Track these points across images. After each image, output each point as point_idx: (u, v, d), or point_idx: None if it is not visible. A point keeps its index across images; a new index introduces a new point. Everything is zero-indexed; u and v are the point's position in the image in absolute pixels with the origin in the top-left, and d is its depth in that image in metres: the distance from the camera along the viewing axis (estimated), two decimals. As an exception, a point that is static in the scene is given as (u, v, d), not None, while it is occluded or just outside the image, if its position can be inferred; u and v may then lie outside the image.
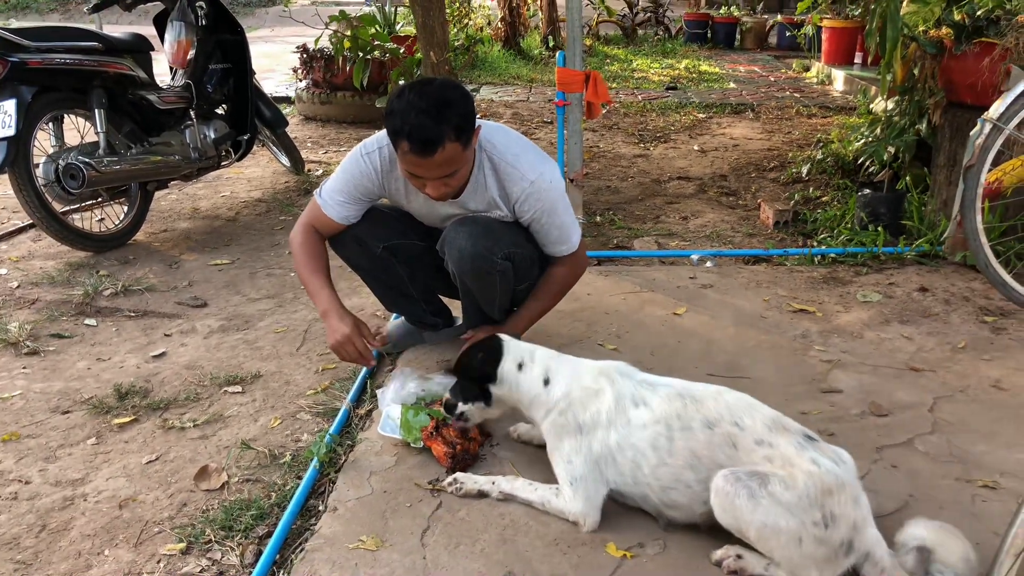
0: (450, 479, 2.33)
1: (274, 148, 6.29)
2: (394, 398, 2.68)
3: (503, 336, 2.42)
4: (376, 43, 6.19)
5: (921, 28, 4.38)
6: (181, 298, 3.91)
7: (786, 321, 3.35)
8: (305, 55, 8.21)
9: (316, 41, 7.64)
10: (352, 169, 2.74)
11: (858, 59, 10.17)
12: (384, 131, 2.73)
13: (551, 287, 2.90)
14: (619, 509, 2.18)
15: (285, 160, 6.19)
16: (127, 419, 2.85)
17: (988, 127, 3.01)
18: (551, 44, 12.13)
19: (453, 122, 2.39)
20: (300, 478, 2.47)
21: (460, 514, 2.22)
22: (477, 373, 2.34)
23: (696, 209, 5.15)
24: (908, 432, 2.51)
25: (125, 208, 4.83)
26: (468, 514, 2.22)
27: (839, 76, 9.64)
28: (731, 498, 1.88)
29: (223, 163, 5.34)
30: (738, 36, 14.02)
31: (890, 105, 4.91)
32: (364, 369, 3.06)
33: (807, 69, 10.99)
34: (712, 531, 2.04)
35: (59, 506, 2.41)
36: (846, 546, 1.85)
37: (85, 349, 3.41)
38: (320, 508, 2.32)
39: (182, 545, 2.21)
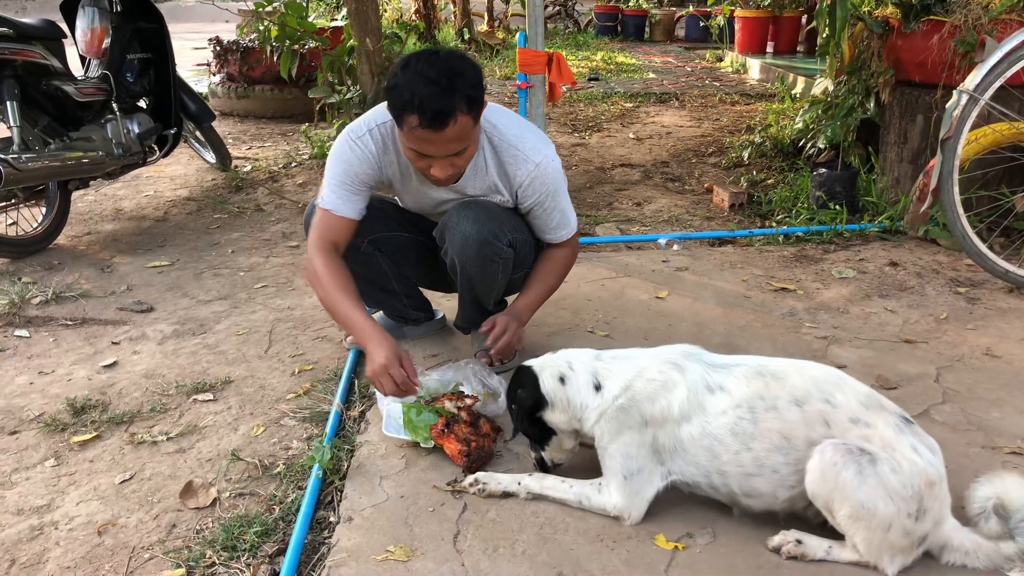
0: (471, 479, 2.17)
1: (197, 144, 5.93)
2: (393, 399, 2.50)
3: (529, 362, 2.17)
4: (302, 32, 5.89)
5: (867, 8, 4.47)
6: (123, 303, 3.59)
7: (770, 300, 3.33)
8: (219, 48, 7.81)
9: (241, 31, 7.27)
10: (347, 158, 2.52)
11: (770, 48, 10.45)
12: (369, 114, 2.57)
13: (555, 268, 2.74)
14: (656, 498, 2.06)
15: (210, 156, 5.84)
16: (88, 436, 2.56)
17: (965, 98, 3.05)
18: (466, 36, 11.99)
19: (465, 93, 2.22)
20: (301, 488, 2.26)
21: (490, 515, 2.07)
22: (527, 408, 2.10)
23: (646, 195, 5.11)
24: (921, 403, 2.51)
25: (43, 210, 4.42)
26: (498, 515, 2.07)
27: (754, 65, 9.87)
28: (838, 469, 1.75)
29: (149, 159, 4.97)
30: (647, 28, 14.26)
31: (831, 87, 4.99)
32: (348, 369, 2.86)
33: (720, 59, 11.23)
34: (766, 519, 1.96)
35: (27, 536, 2.12)
36: (923, 539, 1.79)
37: (22, 363, 3.08)
38: (332, 519, 2.12)
39: (181, 571, 1.98)
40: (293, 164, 5.87)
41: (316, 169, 5.67)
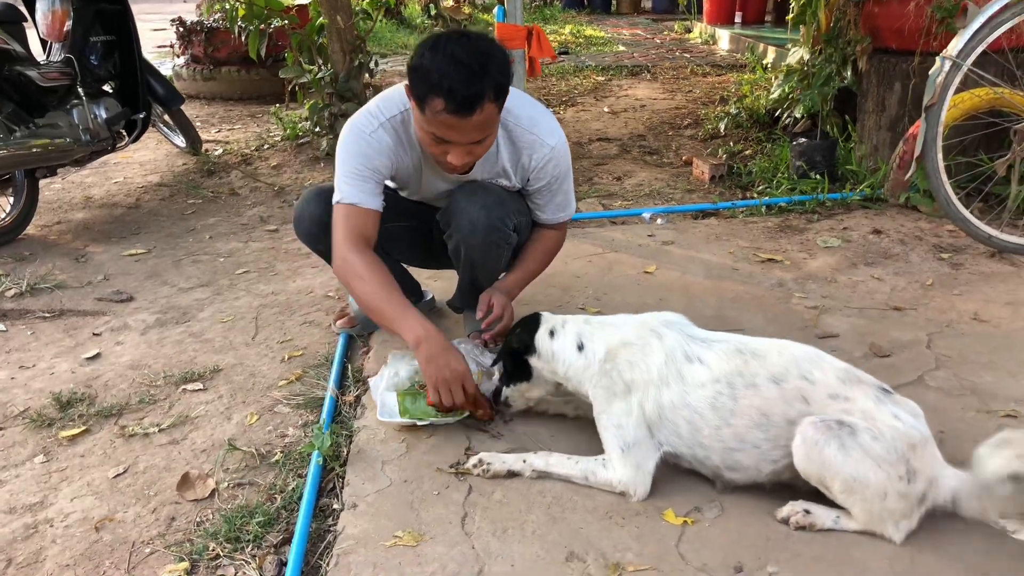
0: (475, 460, 2.16)
1: (166, 128, 5.81)
2: (387, 386, 2.47)
3: (542, 312, 2.28)
4: (270, 11, 5.75)
5: (843, -24, 4.46)
6: (101, 293, 3.51)
7: (758, 271, 3.33)
8: (182, 28, 7.63)
9: (207, 10, 7.09)
10: (363, 150, 2.40)
11: (738, 18, 10.43)
12: (375, 106, 2.46)
13: (545, 249, 2.71)
14: (661, 474, 2.06)
15: (180, 140, 5.72)
16: (77, 431, 2.50)
17: (948, 64, 3.06)
18: (432, 12, 11.82)
19: (494, 79, 2.13)
20: (301, 476, 2.23)
21: (496, 497, 2.06)
22: (516, 346, 2.23)
23: (626, 169, 5.10)
24: (916, 370, 2.53)
25: (11, 199, 4.29)
26: (505, 495, 2.06)
27: (723, 35, 9.86)
28: (820, 447, 1.78)
29: (118, 145, 4.84)
30: (614, 1, 14.16)
31: (807, 56, 4.99)
32: (339, 353, 2.82)
33: (688, 30, 11.20)
34: (770, 489, 1.97)
35: (21, 536, 2.07)
36: (921, 499, 1.81)
37: (0, 357, 2.99)
38: (335, 506, 2.09)
39: (185, 564, 1.94)
40: (266, 146, 5.77)
41: (289, 151, 5.58)
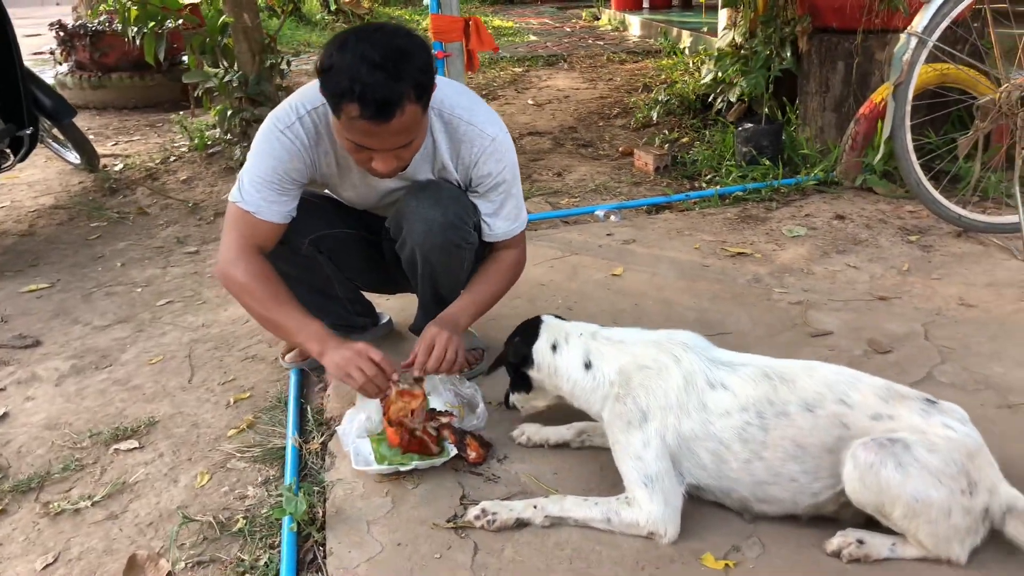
0: (476, 511, 1.89)
1: (56, 144, 5.27)
2: (359, 433, 2.17)
3: (545, 316, 2.08)
4: (166, 10, 5.27)
5: (777, -44, 4.35)
6: (0, 339, 3.06)
7: (730, 267, 3.17)
8: (63, 33, 7.00)
9: (93, 12, 6.50)
10: (274, 152, 2.14)
11: (646, 3, 10.39)
12: (297, 97, 2.20)
13: (501, 270, 2.39)
14: (684, 507, 1.85)
15: (73, 157, 5.19)
16: (-11, 513, 2.11)
17: (914, 41, 2.96)
18: (332, 7, 11.35)
19: (413, 78, 1.89)
20: (273, 548, 1.92)
21: (507, 555, 1.80)
22: (512, 360, 2.06)
23: (564, 164, 4.88)
24: (922, 366, 2.40)
25: None
26: (517, 552, 1.80)
27: (634, 22, 9.79)
28: (876, 470, 1.60)
29: (3, 165, 4.33)
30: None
31: (739, 39, 4.89)
32: (293, 393, 2.50)
33: (597, 17, 11.11)
34: (810, 520, 1.79)
35: (-66, 661, 1.70)
36: (984, 513, 1.65)
37: None
38: (319, 583, 1.80)
39: (146, 676, 1.62)
40: (172, 158, 5.29)
41: (199, 162, 5.13)
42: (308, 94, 2.17)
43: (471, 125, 2.21)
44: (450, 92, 2.23)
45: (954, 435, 1.64)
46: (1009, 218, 3.15)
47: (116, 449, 2.35)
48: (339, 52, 1.87)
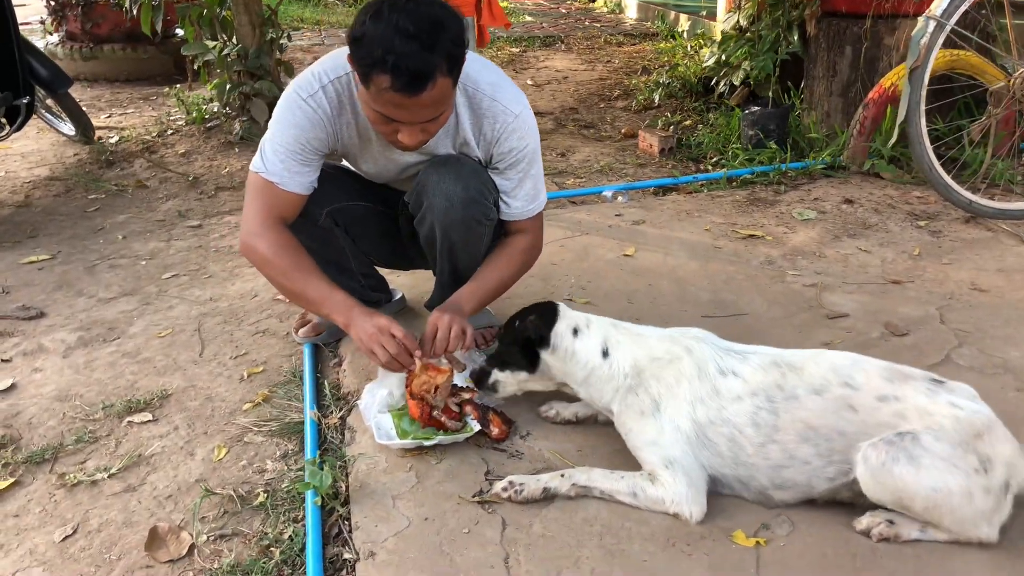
0: (503, 483, 1.88)
1: (50, 115, 5.18)
2: (380, 408, 2.16)
3: (558, 303, 2.03)
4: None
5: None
6: (3, 310, 3.01)
7: (742, 248, 3.17)
8: (54, 2, 6.86)
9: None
10: (296, 120, 2.10)
11: (643, -13, 10.32)
12: (319, 66, 2.16)
13: (512, 255, 2.34)
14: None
15: (68, 128, 5.11)
16: (3, 484, 2.07)
17: (932, 25, 2.95)
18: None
19: (446, 50, 1.85)
20: (297, 521, 1.90)
21: (536, 530, 1.79)
22: (529, 336, 1.99)
23: (567, 145, 4.86)
24: (939, 349, 2.41)
25: None
26: (546, 528, 1.79)
27: (631, 4, 9.74)
28: (888, 468, 1.62)
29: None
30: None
31: (744, 22, 4.87)
32: (308, 367, 2.47)
33: (592, 0, 11.03)
34: (830, 501, 1.79)
35: (-44, 631, 1.67)
36: (1005, 487, 1.66)
37: None
38: (347, 556, 1.78)
39: (174, 648, 1.60)
40: (169, 132, 5.21)
41: (198, 136, 5.05)
42: (331, 63, 2.13)
43: (495, 101, 2.18)
44: (476, 67, 2.19)
45: (961, 414, 1.65)
46: (1019, 204, 3.17)
47: (130, 422, 2.31)
48: (372, 21, 1.83)
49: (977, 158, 3.57)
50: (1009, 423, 1.72)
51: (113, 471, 2.10)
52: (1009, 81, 3.06)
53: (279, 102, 2.17)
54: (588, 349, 1.95)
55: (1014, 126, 3.62)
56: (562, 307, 2.05)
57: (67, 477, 2.09)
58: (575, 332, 1.98)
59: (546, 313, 2.02)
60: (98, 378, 2.55)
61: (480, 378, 2.11)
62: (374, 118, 1.99)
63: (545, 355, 2.00)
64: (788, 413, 1.75)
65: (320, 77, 2.12)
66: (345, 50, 1.97)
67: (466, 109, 2.19)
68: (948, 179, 3.12)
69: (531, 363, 2.02)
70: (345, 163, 2.50)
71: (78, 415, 2.35)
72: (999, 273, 2.89)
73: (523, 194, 2.31)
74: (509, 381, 2.08)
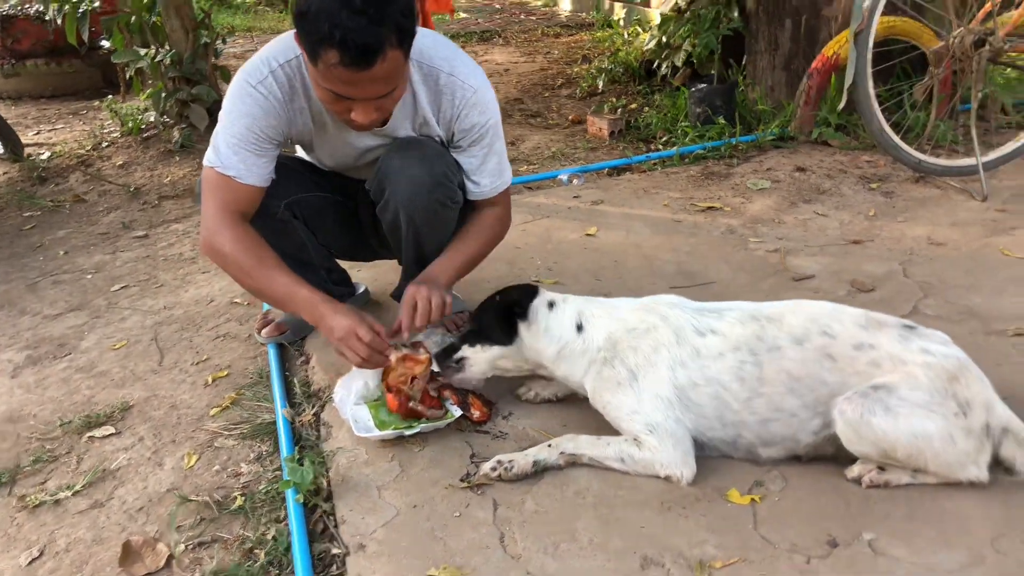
0: (492, 463, 1.83)
1: (-27, 134, 4.96)
2: (356, 400, 2.09)
3: (537, 284, 1.99)
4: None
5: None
6: (-59, 335, 2.85)
7: (702, 220, 3.17)
8: (-32, 19, 6.59)
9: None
10: (247, 109, 2.02)
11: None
12: (268, 50, 2.08)
13: (482, 230, 2.30)
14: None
15: (-4, 146, 4.90)
16: (-41, 511, 1.96)
17: (872, -11, 3.00)
18: (254, -9, 11.02)
19: (395, 22, 1.78)
20: (279, 521, 1.83)
21: (528, 507, 1.75)
22: (511, 302, 1.95)
23: (516, 134, 4.82)
24: (907, 300, 2.44)
25: None
26: (538, 504, 1.75)
27: (564, -4, 9.76)
28: (866, 420, 1.61)
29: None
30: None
31: (682, 3, 4.90)
32: (275, 366, 2.39)
33: (525, -5, 11.04)
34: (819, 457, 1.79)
35: (-80, 666, 1.56)
36: (985, 427, 1.67)
37: None
38: (335, 551, 1.71)
39: (162, 662, 1.52)
40: (104, 144, 5.03)
41: (135, 147, 4.89)
42: (280, 47, 2.06)
43: (452, 76, 2.13)
44: (429, 43, 2.13)
45: (933, 360, 1.66)
46: (967, 161, 3.23)
47: (91, 437, 2.21)
48: None
49: (920, 121, 3.64)
50: (981, 364, 1.74)
51: (77, 488, 2.00)
52: (949, 41, 3.12)
53: (228, 91, 2.08)
54: (562, 324, 1.92)
55: (952, 88, 3.71)
56: (540, 287, 2.02)
57: (28, 499, 1.98)
58: (550, 306, 1.95)
59: (525, 288, 2.00)
60: (52, 396, 2.43)
61: (446, 353, 2.02)
62: (326, 97, 1.91)
63: (522, 328, 1.94)
64: (772, 364, 1.74)
65: (269, 62, 2.04)
66: (292, 33, 1.90)
67: (422, 87, 2.13)
68: (897, 139, 3.17)
69: (507, 335, 1.96)
70: (301, 153, 2.43)
71: (33, 435, 2.24)
72: (953, 227, 2.95)
73: (489, 171, 2.26)
74: (478, 358, 2.00)
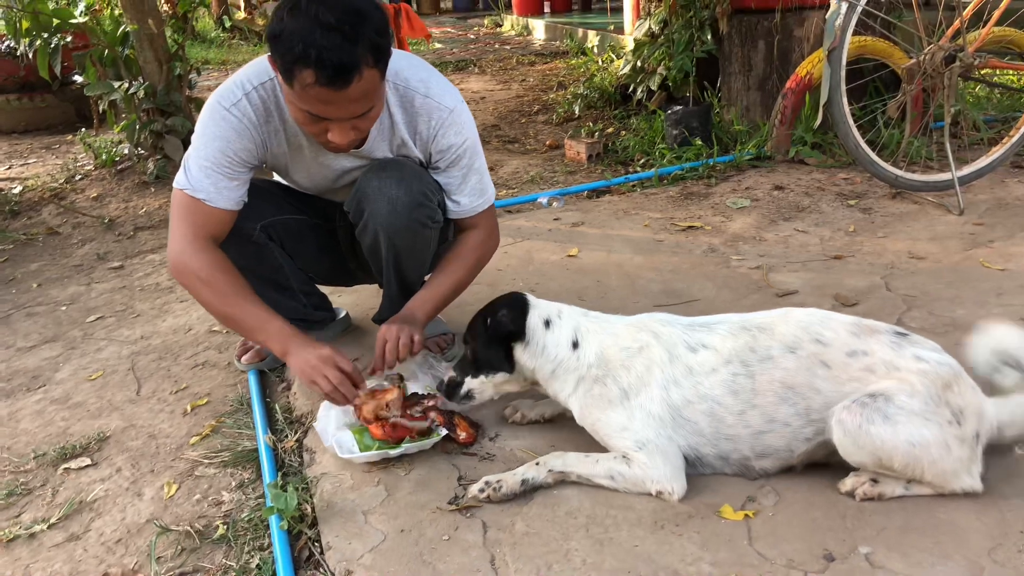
0: (480, 484, 1.80)
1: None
2: (338, 426, 2.05)
3: (526, 294, 1.95)
4: (61, 22, 4.95)
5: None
6: (-90, 370, 2.78)
7: (684, 240, 3.18)
8: (-64, 54, 6.52)
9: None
10: (221, 132, 2.00)
11: (547, 8, 10.50)
12: (242, 73, 2.07)
13: (466, 256, 2.28)
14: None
15: (-34, 181, 4.82)
16: (-71, 549, 1.89)
17: (845, 6, 3.03)
18: (227, 24, 11.03)
19: (371, 41, 1.78)
20: (263, 549, 1.78)
21: (519, 529, 1.71)
22: (502, 331, 1.88)
23: (494, 159, 4.83)
24: (890, 314, 2.44)
25: None
26: (529, 525, 1.72)
27: (538, 25, 9.87)
28: (864, 428, 1.60)
29: None
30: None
31: (656, 28, 4.95)
32: (255, 392, 2.35)
33: (499, 24, 11.15)
34: (819, 467, 1.77)
35: None
36: (976, 436, 1.67)
37: None
38: (321, 580, 1.67)
39: None
40: (78, 177, 4.98)
41: (109, 179, 4.84)
42: (254, 70, 2.05)
43: (427, 98, 2.12)
44: (404, 64, 2.13)
45: (927, 367, 1.66)
46: (943, 176, 3.27)
47: (66, 468, 2.14)
48: (290, 15, 1.75)
49: (894, 138, 3.69)
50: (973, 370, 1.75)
51: (52, 521, 1.94)
52: (920, 58, 3.17)
53: (201, 114, 2.06)
54: (559, 343, 1.88)
55: (923, 105, 3.77)
56: (530, 297, 1.96)
57: (1, 533, 1.91)
58: (547, 324, 1.90)
59: (516, 304, 1.93)
60: (25, 428, 2.36)
61: (452, 390, 1.99)
62: (302, 118, 1.90)
63: (518, 350, 1.90)
64: (765, 374, 1.73)
65: (243, 85, 2.03)
66: (267, 56, 1.89)
67: (399, 108, 2.12)
68: (874, 155, 3.20)
69: (508, 361, 1.92)
70: (277, 178, 2.40)
71: (6, 468, 2.17)
72: (932, 241, 2.97)
73: (469, 190, 2.24)
74: (484, 387, 1.96)
